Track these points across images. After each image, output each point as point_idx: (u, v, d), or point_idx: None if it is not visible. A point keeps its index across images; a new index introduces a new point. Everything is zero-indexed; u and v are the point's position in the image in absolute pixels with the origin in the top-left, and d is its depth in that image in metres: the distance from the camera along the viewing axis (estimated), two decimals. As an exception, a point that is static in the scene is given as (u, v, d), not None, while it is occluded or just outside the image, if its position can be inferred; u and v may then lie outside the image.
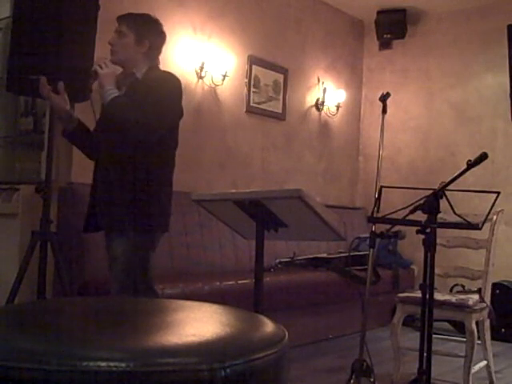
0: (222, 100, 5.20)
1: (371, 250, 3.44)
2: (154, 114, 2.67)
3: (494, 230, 3.75)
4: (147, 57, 2.89)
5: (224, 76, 5.07)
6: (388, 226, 3.26)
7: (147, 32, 2.90)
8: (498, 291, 5.00)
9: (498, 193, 2.95)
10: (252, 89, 5.46)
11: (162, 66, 4.66)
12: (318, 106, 6.20)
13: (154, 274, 2.91)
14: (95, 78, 2.76)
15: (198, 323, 1.37)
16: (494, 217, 3.69)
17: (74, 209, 3.86)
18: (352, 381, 3.19)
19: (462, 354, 3.47)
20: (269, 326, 1.31)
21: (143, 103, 2.66)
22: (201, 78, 4.96)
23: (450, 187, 2.65)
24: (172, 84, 2.84)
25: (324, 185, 6.30)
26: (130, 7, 4.46)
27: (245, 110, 5.42)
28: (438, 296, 3.33)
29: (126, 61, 2.85)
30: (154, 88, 2.75)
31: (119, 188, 2.71)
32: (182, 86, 2.94)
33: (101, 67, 2.73)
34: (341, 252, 5.39)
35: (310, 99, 6.15)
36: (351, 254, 5.07)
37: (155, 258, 2.91)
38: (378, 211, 3.36)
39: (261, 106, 5.56)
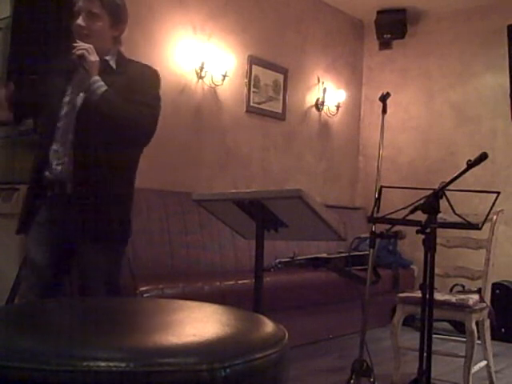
0: (222, 100, 5.20)
1: (371, 249, 3.44)
2: (151, 116, 2.56)
3: (494, 229, 3.75)
4: (116, 41, 2.64)
5: (224, 76, 5.07)
6: (388, 226, 3.26)
7: (123, 15, 2.63)
8: (498, 291, 5.00)
9: (498, 193, 2.95)
10: (252, 89, 5.46)
11: (163, 66, 4.69)
12: (318, 105, 6.20)
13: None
14: (80, 63, 2.46)
15: (198, 323, 1.37)
16: (494, 217, 3.69)
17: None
18: (352, 381, 3.19)
19: (462, 353, 3.46)
20: (269, 326, 1.30)
21: (139, 103, 2.49)
22: (201, 77, 4.96)
23: (450, 187, 2.65)
24: (159, 82, 2.66)
25: (324, 185, 6.30)
26: (130, 7, 4.47)
27: (245, 109, 5.42)
28: (437, 296, 3.32)
29: (98, 47, 2.50)
30: (146, 86, 2.57)
31: (106, 193, 2.49)
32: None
33: (88, 53, 2.44)
34: (341, 252, 5.39)
35: (310, 99, 6.15)
36: (351, 254, 5.07)
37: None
38: (377, 211, 3.36)
39: (261, 106, 5.56)
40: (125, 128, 2.48)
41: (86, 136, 2.47)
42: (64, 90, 2.55)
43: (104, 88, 2.43)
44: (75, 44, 2.44)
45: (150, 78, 2.63)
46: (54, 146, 2.50)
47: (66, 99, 2.54)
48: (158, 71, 2.68)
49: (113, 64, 2.59)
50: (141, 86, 2.55)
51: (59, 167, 2.49)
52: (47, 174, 2.51)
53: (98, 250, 2.50)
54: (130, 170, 2.62)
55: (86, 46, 2.43)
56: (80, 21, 2.50)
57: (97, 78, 2.43)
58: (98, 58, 2.45)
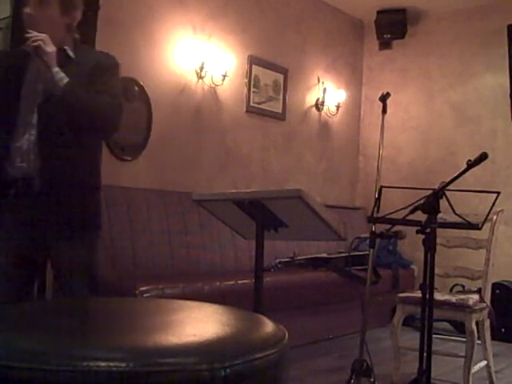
0: (222, 100, 5.20)
1: (371, 249, 3.43)
2: (117, 106, 2.44)
3: (494, 229, 3.75)
4: (70, 29, 2.47)
5: (224, 76, 5.07)
6: (388, 226, 3.26)
7: (75, 1, 2.46)
8: (498, 291, 5.00)
9: (498, 193, 2.96)
10: (252, 89, 5.46)
11: (163, 66, 4.69)
12: (318, 105, 6.20)
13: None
14: (37, 55, 2.31)
15: (198, 323, 1.37)
16: (494, 217, 3.69)
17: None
18: (352, 381, 3.19)
19: (462, 353, 3.46)
20: (269, 326, 1.31)
21: (102, 93, 2.37)
22: (201, 77, 4.96)
23: (450, 187, 2.65)
24: (119, 69, 2.55)
25: (324, 185, 6.30)
26: (130, 7, 4.48)
27: (245, 109, 5.42)
28: (437, 296, 3.32)
29: (51, 36, 2.33)
30: (107, 75, 2.45)
31: (75, 186, 2.41)
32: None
33: (44, 43, 2.28)
34: (341, 252, 5.39)
35: (310, 99, 6.15)
36: (351, 253, 5.07)
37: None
38: (377, 211, 3.36)
39: (261, 106, 5.56)
40: (91, 120, 2.38)
41: (50, 131, 2.36)
42: (19, 83, 2.42)
43: (66, 79, 2.31)
44: (28, 34, 2.30)
45: (111, 65, 2.51)
46: (17, 143, 2.38)
47: (24, 93, 2.41)
48: (116, 57, 2.57)
49: (71, 53, 2.46)
50: (102, 74, 2.43)
51: (24, 164, 2.37)
52: (10, 171, 2.38)
53: (73, 245, 2.43)
54: (96, 160, 2.54)
55: (42, 36, 2.29)
56: (28, 9, 2.35)
57: (57, 69, 2.31)
58: (54, 48, 2.31)
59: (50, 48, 2.29)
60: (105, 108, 2.37)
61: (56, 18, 2.40)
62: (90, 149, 2.48)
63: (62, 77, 2.30)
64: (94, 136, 2.48)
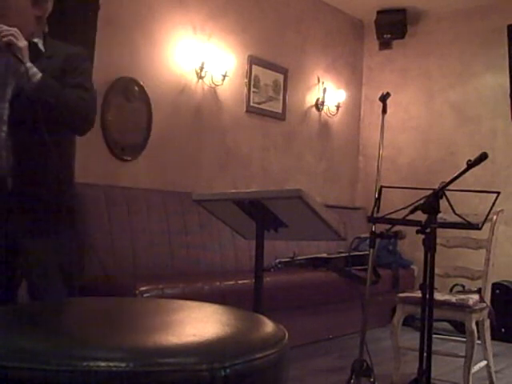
0: (222, 100, 5.20)
1: (371, 249, 3.43)
2: (92, 101, 2.38)
3: (494, 229, 3.75)
4: (40, 21, 2.37)
5: (224, 76, 5.07)
6: (388, 226, 3.26)
7: None
8: (498, 291, 5.00)
9: (498, 193, 2.96)
10: (252, 89, 5.46)
11: (162, 66, 4.69)
12: (318, 105, 6.20)
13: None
14: (8, 50, 2.18)
15: (198, 323, 1.37)
16: (494, 217, 3.69)
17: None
18: (352, 381, 3.19)
19: (462, 353, 3.46)
20: (269, 326, 1.30)
21: (76, 88, 2.30)
22: (201, 77, 4.96)
23: (450, 187, 2.65)
24: (90, 63, 2.50)
25: (324, 185, 6.30)
26: (130, 7, 4.48)
27: (245, 109, 5.42)
28: (437, 296, 3.32)
29: (21, 28, 2.21)
30: (80, 69, 2.37)
31: (49, 184, 2.30)
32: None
33: (16, 38, 2.16)
34: (341, 252, 5.39)
35: (310, 99, 6.15)
36: (351, 253, 5.07)
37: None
38: (377, 211, 3.35)
39: (261, 106, 5.56)
40: (67, 115, 2.29)
41: (22, 127, 2.26)
42: None
43: (39, 75, 2.21)
44: None
45: (82, 59, 2.44)
46: None
47: None
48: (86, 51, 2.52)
49: (41, 47, 2.36)
50: (75, 68, 2.35)
51: None
52: None
53: (44, 245, 2.32)
54: (70, 157, 2.46)
55: (12, 30, 2.16)
56: None
57: (30, 64, 2.19)
58: (26, 43, 2.20)
59: (22, 43, 2.18)
60: (79, 104, 2.29)
61: (26, 9, 2.29)
62: (64, 146, 2.39)
63: (35, 72, 2.21)
64: (68, 132, 2.40)
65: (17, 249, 2.36)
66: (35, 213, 2.29)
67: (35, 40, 2.33)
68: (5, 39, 2.14)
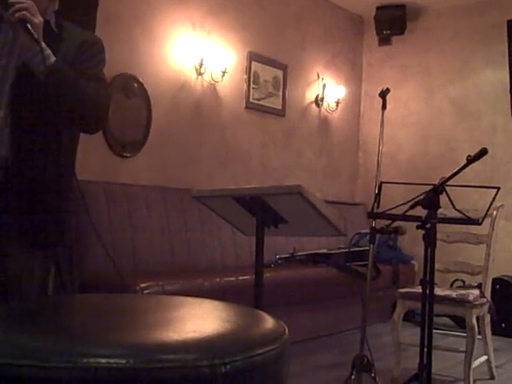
0: (222, 96, 5.19)
1: (371, 245, 3.44)
2: (107, 96, 2.12)
3: (494, 225, 3.76)
4: None
5: (223, 72, 5.06)
6: (388, 222, 3.26)
7: None
8: (498, 286, 5.00)
9: (498, 188, 2.96)
10: (251, 85, 5.45)
11: (162, 63, 4.68)
12: (318, 102, 6.19)
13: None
14: (21, 26, 1.84)
15: (199, 319, 1.37)
16: (494, 212, 3.69)
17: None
18: (353, 376, 3.19)
19: (463, 349, 3.47)
20: (269, 322, 1.31)
21: (91, 78, 2.02)
22: (200, 74, 4.95)
23: (449, 182, 2.65)
24: (104, 52, 2.16)
25: (324, 181, 6.29)
26: (129, 4, 4.48)
27: (244, 106, 5.41)
28: (438, 291, 3.33)
29: (37, 4, 1.90)
30: (97, 58, 2.10)
31: (47, 186, 2.01)
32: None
33: (31, 13, 1.84)
34: (341, 248, 5.39)
35: (310, 95, 6.14)
36: (351, 249, 5.07)
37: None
38: (378, 207, 3.36)
39: (260, 103, 5.56)
40: (81, 110, 2.00)
41: (25, 117, 1.95)
42: None
43: (53, 58, 1.90)
44: (12, 0, 1.84)
45: (100, 48, 2.14)
46: None
47: None
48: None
49: (54, 27, 2.04)
50: (91, 57, 2.07)
51: None
52: None
53: (33, 254, 2.02)
54: (72, 156, 2.18)
55: (27, 3, 1.85)
56: None
57: (44, 45, 1.88)
58: (42, 19, 1.88)
59: (38, 19, 1.86)
60: (96, 97, 2.00)
61: None
62: (70, 143, 2.11)
63: (48, 54, 1.89)
64: (78, 128, 2.13)
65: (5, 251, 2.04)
66: (28, 217, 1.99)
67: (48, 18, 2.01)
68: (18, 14, 1.82)
